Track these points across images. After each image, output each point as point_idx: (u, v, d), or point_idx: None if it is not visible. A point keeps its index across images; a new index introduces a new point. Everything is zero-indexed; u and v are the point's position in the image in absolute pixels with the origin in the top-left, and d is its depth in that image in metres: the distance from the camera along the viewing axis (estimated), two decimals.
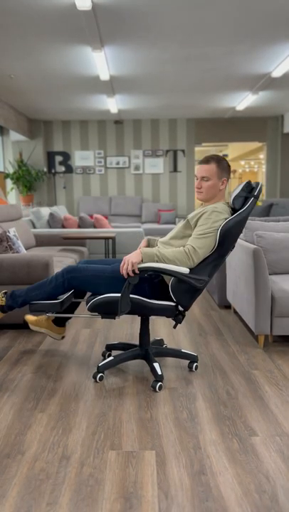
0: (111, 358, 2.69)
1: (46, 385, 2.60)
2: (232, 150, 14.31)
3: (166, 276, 2.58)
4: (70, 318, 2.84)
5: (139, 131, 10.12)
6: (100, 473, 1.78)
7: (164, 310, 2.56)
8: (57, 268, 3.91)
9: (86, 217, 6.75)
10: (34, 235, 5.63)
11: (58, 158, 10.16)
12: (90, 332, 3.61)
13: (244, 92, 7.72)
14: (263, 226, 3.59)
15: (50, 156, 10.15)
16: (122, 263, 2.48)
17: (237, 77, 6.80)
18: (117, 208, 9.91)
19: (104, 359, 2.79)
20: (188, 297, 2.54)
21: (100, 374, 2.65)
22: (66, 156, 10.16)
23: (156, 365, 2.61)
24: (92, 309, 2.58)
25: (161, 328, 3.71)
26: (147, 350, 2.74)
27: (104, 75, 6.32)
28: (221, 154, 14.59)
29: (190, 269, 2.48)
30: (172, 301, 2.56)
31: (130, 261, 2.44)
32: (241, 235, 3.80)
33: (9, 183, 9.94)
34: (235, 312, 4.13)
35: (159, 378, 2.54)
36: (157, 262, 2.46)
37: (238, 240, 3.70)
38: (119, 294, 2.47)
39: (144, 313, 2.60)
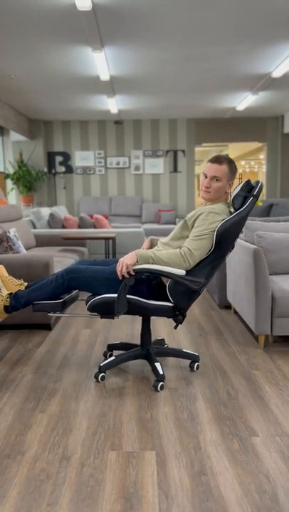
0: (112, 357, 2.70)
1: (46, 386, 2.60)
2: (232, 150, 14.30)
3: (164, 278, 2.58)
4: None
5: (139, 132, 10.12)
6: (100, 474, 1.78)
7: (162, 310, 2.55)
8: (57, 268, 3.91)
9: (86, 217, 6.75)
10: (34, 235, 5.63)
11: (58, 159, 10.16)
12: (90, 332, 3.60)
13: (244, 92, 7.72)
14: (263, 226, 3.59)
15: (50, 157, 10.15)
16: (117, 265, 2.48)
17: (237, 78, 6.80)
18: (117, 208, 9.92)
19: (106, 359, 2.79)
20: (186, 299, 2.53)
21: (102, 374, 2.65)
22: (66, 157, 10.16)
23: (157, 364, 2.61)
24: (91, 309, 2.59)
25: (161, 328, 3.71)
26: (149, 350, 2.74)
27: (105, 75, 6.32)
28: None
29: (186, 270, 2.47)
30: (170, 302, 2.56)
31: (125, 263, 2.44)
32: (241, 235, 3.80)
33: (9, 183, 9.95)
34: (236, 312, 4.12)
35: (160, 378, 2.54)
36: (152, 263, 2.46)
37: (239, 240, 3.69)
38: (116, 295, 2.48)
39: (143, 314, 2.60)
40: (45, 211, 6.93)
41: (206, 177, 2.60)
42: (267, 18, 4.57)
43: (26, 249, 5.01)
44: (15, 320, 3.54)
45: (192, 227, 2.56)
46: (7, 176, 9.46)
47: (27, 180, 9.49)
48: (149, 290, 2.58)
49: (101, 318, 2.60)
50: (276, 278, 3.33)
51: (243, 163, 17.25)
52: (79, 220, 6.73)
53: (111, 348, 3.00)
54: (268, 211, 7.30)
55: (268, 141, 10.17)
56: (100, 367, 2.65)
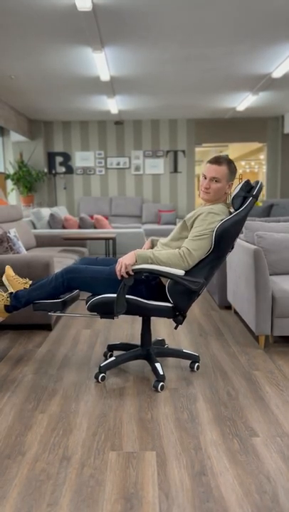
0: (113, 358, 2.70)
1: (47, 386, 2.60)
2: (232, 150, 14.30)
3: (164, 278, 2.57)
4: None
5: (139, 132, 10.12)
6: (100, 474, 1.78)
7: (162, 311, 2.55)
8: (57, 269, 3.91)
9: (86, 217, 6.75)
10: (34, 235, 5.63)
11: (59, 159, 10.16)
12: (90, 332, 3.60)
13: (244, 92, 7.72)
14: (263, 226, 3.59)
15: (50, 157, 10.16)
16: (116, 265, 2.48)
17: (237, 78, 6.80)
18: (118, 208, 9.92)
19: (106, 359, 2.79)
20: (185, 299, 2.53)
21: (102, 374, 2.65)
22: (66, 157, 10.17)
23: (158, 365, 2.61)
24: (91, 309, 2.59)
25: (161, 328, 3.71)
26: (149, 350, 2.74)
27: (105, 76, 6.32)
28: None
29: (185, 271, 2.47)
30: (170, 302, 2.56)
31: (124, 263, 2.44)
32: (242, 236, 3.80)
33: (10, 183, 9.95)
34: (236, 312, 4.12)
35: (161, 378, 2.53)
36: (151, 263, 2.46)
37: (239, 240, 3.69)
38: (115, 295, 2.48)
39: (142, 314, 2.60)
40: (46, 211, 6.93)
41: (205, 178, 2.60)
42: (267, 18, 4.57)
43: (27, 250, 5.01)
44: (15, 320, 3.54)
45: (191, 227, 2.56)
46: (7, 176, 9.46)
47: (27, 180, 9.50)
48: (148, 290, 2.58)
49: (101, 318, 2.61)
50: (276, 278, 3.33)
51: (243, 163, 17.25)
52: (79, 220, 6.73)
53: (111, 348, 3.00)
54: (268, 211, 7.30)
55: (268, 142, 10.17)
56: (100, 367, 2.65)
